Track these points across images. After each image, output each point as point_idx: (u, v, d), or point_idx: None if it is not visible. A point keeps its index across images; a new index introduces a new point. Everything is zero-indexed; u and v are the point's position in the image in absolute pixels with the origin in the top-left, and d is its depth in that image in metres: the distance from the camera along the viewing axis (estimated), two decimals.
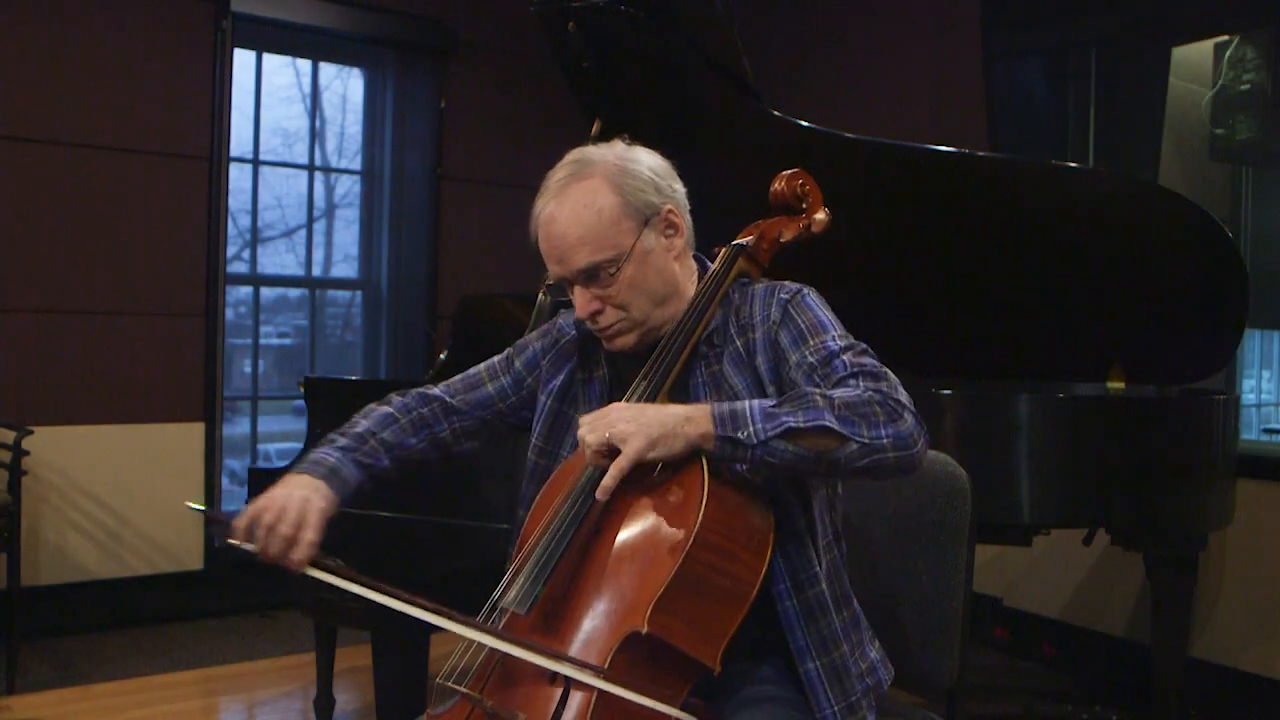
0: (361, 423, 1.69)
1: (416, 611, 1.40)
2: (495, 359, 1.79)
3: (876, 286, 3.14)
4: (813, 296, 1.59)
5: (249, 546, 1.48)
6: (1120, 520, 2.90)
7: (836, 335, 1.52)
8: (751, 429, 1.37)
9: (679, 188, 1.63)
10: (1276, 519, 3.51)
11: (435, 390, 1.76)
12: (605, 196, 1.54)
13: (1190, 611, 3.14)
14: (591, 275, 1.54)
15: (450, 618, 1.39)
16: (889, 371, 1.47)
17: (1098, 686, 3.91)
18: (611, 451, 1.38)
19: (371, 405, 1.73)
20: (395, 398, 1.74)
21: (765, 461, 1.39)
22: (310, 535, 1.48)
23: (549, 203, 1.56)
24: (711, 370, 1.59)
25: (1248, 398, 4.15)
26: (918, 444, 1.41)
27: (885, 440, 1.39)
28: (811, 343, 1.51)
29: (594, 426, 1.40)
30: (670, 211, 1.59)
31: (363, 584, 1.43)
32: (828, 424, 1.37)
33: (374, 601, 1.42)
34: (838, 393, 1.41)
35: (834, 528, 1.60)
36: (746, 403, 1.41)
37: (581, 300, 1.57)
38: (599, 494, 1.39)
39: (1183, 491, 2.91)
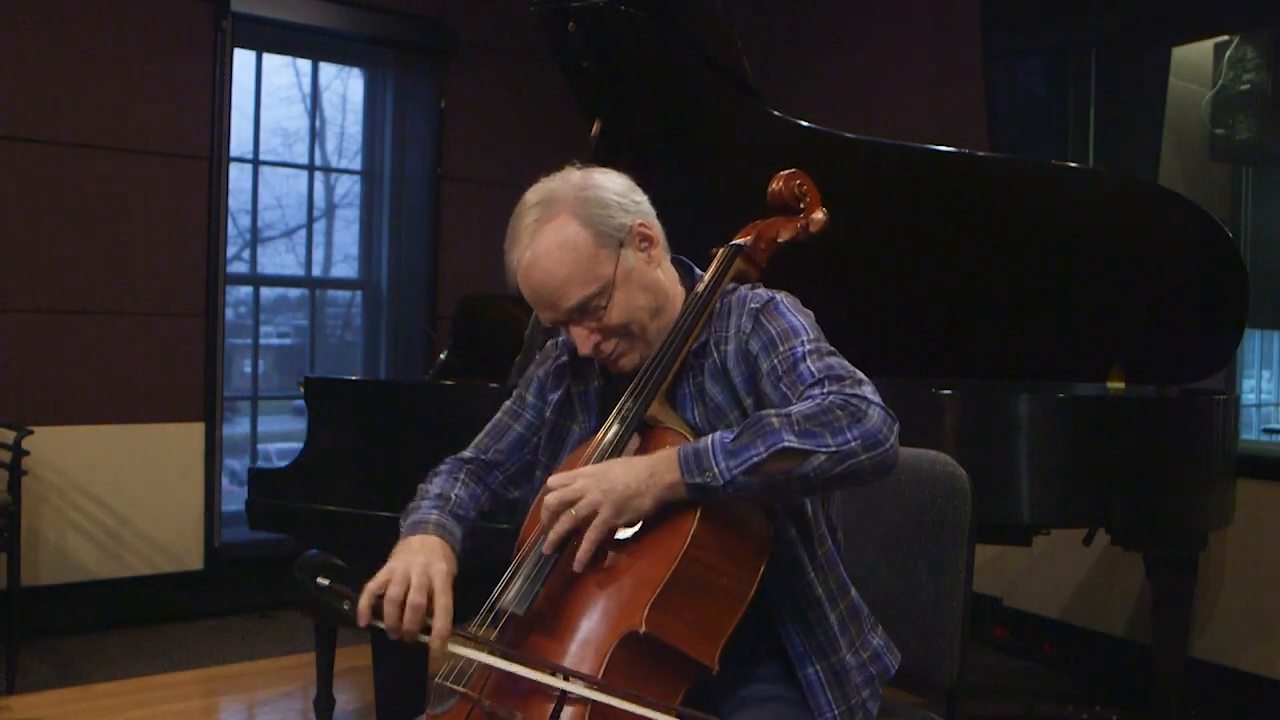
0: (430, 489, 1.66)
1: (537, 676, 1.34)
2: (507, 404, 1.76)
3: (877, 287, 3.14)
4: (785, 301, 1.56)
5: (379, 624, 1.40)
6: (1120, 520, 2.90)
7: (805, 339, 1.49)
8: (716, 470, 1.35)
9: (641, 199, 1.61)
10: (1276, 519, 3.50)
11: (467, 453, 1.73)
12: (576, 231, 1.52)
13: (1190, 611, 3.14)
14: (584, 311, 1.53)
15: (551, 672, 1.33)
16: (855, 370, 1.44)
17: (1098, 686, 3.91)
18: (579, 523, 1.38)
19: (424, 482, 1.69)
20: (442, 465, 1.72)
21: (739, 497, 1.38)
22: (443, 600, 1.41)
23: (524, 251, 1.53)
24: (697, 382, 1.58)
25: (1248, 398, 4.15)
26: (889, 440, 1.36)
27: (854, 443, 1.34)
28: (781, 349, 1.49)
29: (561, 495, 1.39)
30: (641, 225, 1.58)
31: (510, 659, 1.36)
32: (787, 444, 1.33)
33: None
34: (798, 407, 1.38)
35: (829, 520, 1.59)
36: (709, 440, 1.38)
37: (580, 337, 1.55)
38: (576, 567, 1.38)
39: (1183, 491, 2.91)
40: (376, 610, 1.41)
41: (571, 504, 1.38)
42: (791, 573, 1.52)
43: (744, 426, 1.37)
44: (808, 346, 1.47)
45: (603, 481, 1.38)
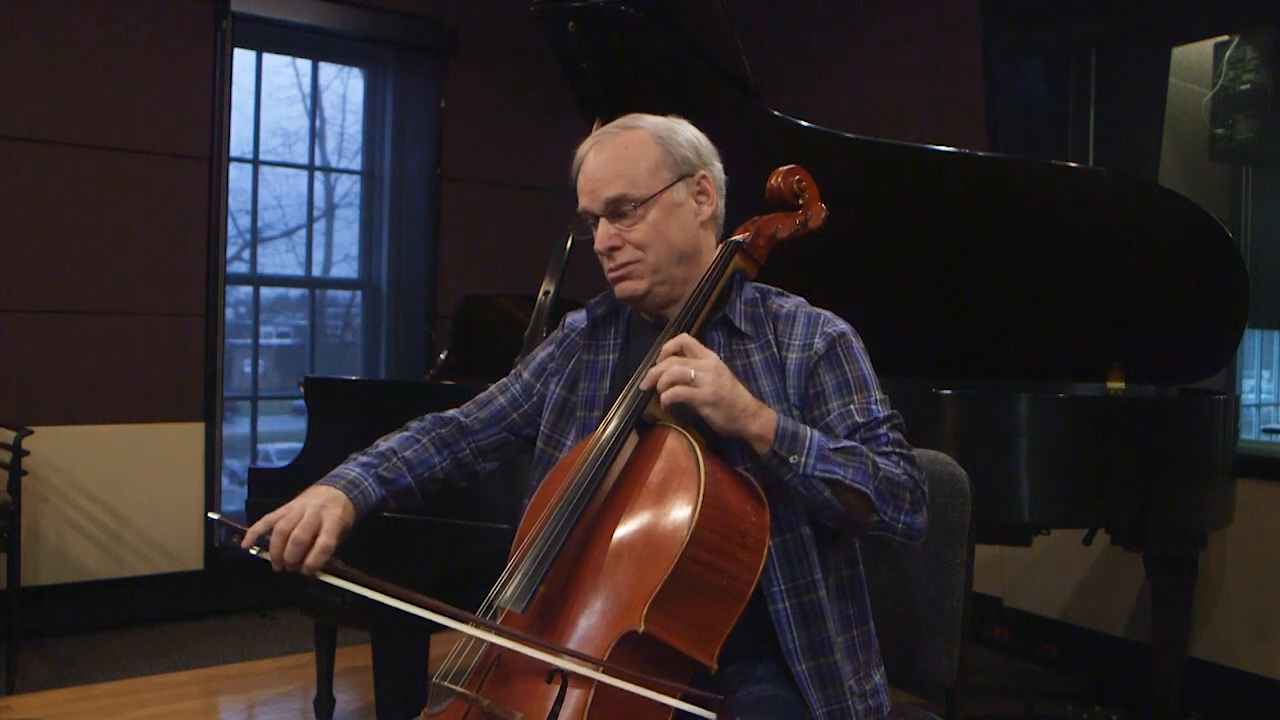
0: (382, 443, 1.71)
1: (431, 615, 1.41)
2: (505, 378, 1.81)
3: (876, 287, 3.14)
4: (858, 344, 1.62)
5: (264, 555, 1.49)
6: (1120, 520, 2.90)
7: (878, 398, 1.57)
8: (803, 459, 1.44)
9: (719, 167, 1.69)
10: (1276, 519, 3.50)
11: (450, 413, 1.77)
12: (649, 146, 1.61)
13: (1190, 611, 3.14)
14: (617, 210, 1.60)
15: (462, 619, 1.40)
16: (916, 457, 1.55)
17: (1098, 686, 3.91)
18: (681, 380, 1.44)
19: (391, 433, 1.74)
20: (413, 422, 1.76)
21: (797, 490, 1.45)
22: (325, 540, 1.48)
23: (595, 140, 1.64)
24: (744, 361, 1.60)
25: (1248, 398, 4.15)
26: (921, 538, 1.52)
27: (900, 525, 1.49)
28: (856, 399, 1.56)
29: (685, 360, 1.45)
30: (704, 177, 1.65)
31: (375, 589, 1.43)
32: (868, 492, 1.45)
33: (388, 606, 1.42)
34: (886, 466, 1.49)
35: (851, 549, 1.61)
36: (809, 431, 1.48)
37: (603, 234, 1.61)
38: (644, 384, 1.47)
39: (1183, 491, 2.91)
40: (262, 541, 1.49)
41: (688, 367, 1.44)
42: (798, 568, 1.52)
43: (844, 447, 1.48)
44: (883, 411, 1.56)
45: (722, 375, 1.46)
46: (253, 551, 1.49)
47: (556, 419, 1.71)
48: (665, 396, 1.45)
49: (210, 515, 1.60)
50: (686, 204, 1.63)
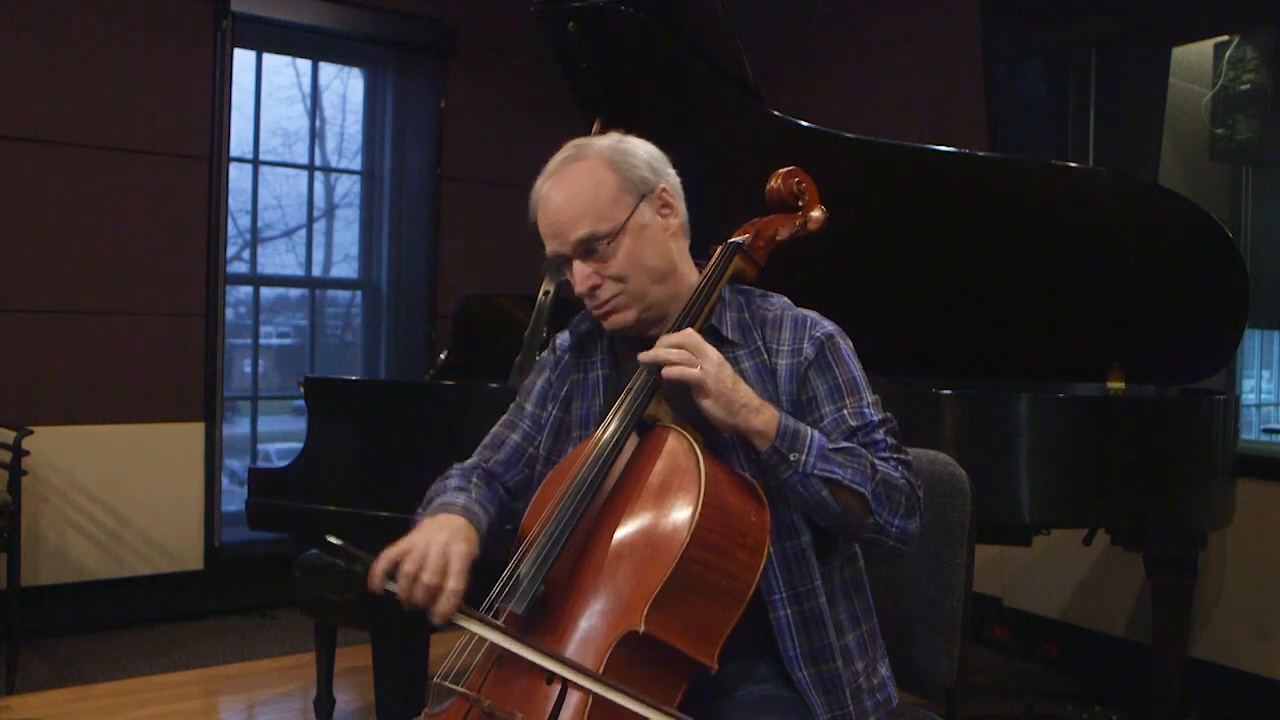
0: (449, 483, 1.65)
1: (562, 670, 1.34)
2: (505, 415, 1.77)
3: (876, 287, 3.14)
4: (846, 346, 1.61)
5: (392, 588, 1.42)
6: (1120, 520, 2.90)
7: (869, 400, 1.57)
8: (804, 457, 1.44)
9: (673, 174, 1.66)
10: (1276, 519, 3.50)
11: (470, 462, 1.73)
12: (603, 174, 1.57)
13: (1190, 611, 3.14)
14: (589, 249, 1.56)
15: (618, 690, 1.32)
16: (912, 461, 1.55)
17: (1098, 686, 3.91)
18: (685, 360, 1.44)
19: (437, 482, 1.69)
20: (451, 471, 1.70)
21: (795, 489, 1.45)
22: (455, 585, 1.42)
23: (546, 181, 1.59)
24: (734, 369, 1.56)
25: (1248, 398, 4.15)
26: (913, 544, 1.53)
27: (894, 529, 1.49)
28: (849, 403, 1.56)
29: (695, 347, 1.45)
30: (664, 191, 1.62)
31: (507, 636, 1.37)
32: (865, 494, 1.45)
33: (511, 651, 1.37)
34: (884, 469, 1.49)
35: (851, 547, 1.61)
36: (809, 430, 1.48)
37: (580, 275, 1.57)
38: (642, 356, 1.47)
39: (1182, 491, 2.91)
40: (389, 574, 1.43)
41: (693, 355, 1.45)
42: (798, 575, 1.52)
43: (844, 448, 1.49)
44: (877, 415, 1.56)
45: (724, 368, 1.46)
46: (389, 588, 1.42)
47: (554, 440, 1.69)
48: (668, 372, 1.45)
49: (329, 539, 1.50)
50: (653, 223, 1.59)
